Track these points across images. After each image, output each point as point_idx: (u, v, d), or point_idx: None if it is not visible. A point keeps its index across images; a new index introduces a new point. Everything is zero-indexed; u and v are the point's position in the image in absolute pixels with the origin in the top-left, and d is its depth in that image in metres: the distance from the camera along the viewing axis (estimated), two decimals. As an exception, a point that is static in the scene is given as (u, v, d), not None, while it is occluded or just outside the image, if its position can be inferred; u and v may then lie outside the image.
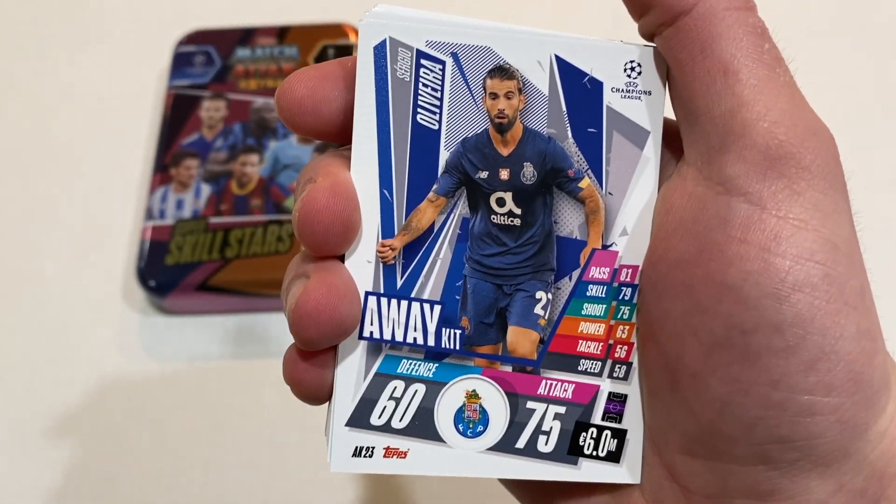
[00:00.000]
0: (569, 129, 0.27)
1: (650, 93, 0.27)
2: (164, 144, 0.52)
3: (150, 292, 0.48)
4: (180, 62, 0.55)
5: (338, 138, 0.27)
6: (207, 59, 0.55)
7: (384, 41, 0.26)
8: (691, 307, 0.25)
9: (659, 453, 0.27)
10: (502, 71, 0.27)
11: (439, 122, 0.27)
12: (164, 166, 0.51)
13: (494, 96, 0.27)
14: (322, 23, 0.55)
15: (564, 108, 0.27)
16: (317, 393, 0.27)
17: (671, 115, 0.27)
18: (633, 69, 0.27)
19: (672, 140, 0.27)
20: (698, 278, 0.25)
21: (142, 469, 0.45)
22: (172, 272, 0.48)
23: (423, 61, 0.26)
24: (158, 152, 0.52)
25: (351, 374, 0.27)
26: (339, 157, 0.27)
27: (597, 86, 0.27)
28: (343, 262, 0.27)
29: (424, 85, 0.27)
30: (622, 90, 0.27)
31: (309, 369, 0.27)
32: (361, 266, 0.27)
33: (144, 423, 0.47)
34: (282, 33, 0.55)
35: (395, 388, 0.27)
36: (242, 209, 0.50)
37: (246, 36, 0.55)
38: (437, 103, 0.27)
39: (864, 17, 0.57)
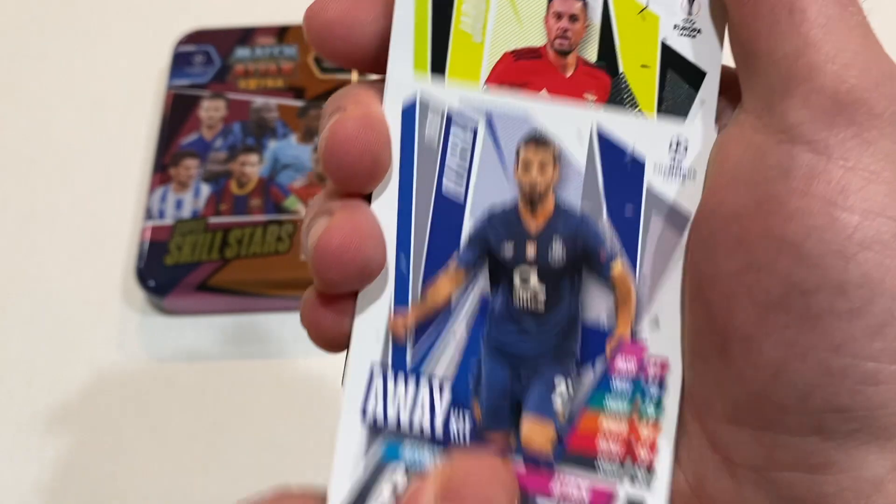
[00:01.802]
0: (604, 207, 0.25)
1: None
2: (164, 144, 0.52)
3: (149, 292, 0.48)
4: (180, 62, 0.55)
5: (371, 68, 0.26)
6: (207, 58, 0.55)
7: (414, 103, 0.25)
8: (746, 264, 0.23)
9: (701, 421, 0.25)
10: (538, 139, 0.25)
11: (466, 189, 0.25)
12: (164, 166, 0.51)
13: (528, 166, 0.25)
14: (322, 22, 0.55)
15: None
16: (334, 339, 0.26)
17: (729, 61, 0.25)
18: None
19: (729, 88, 0.25)
20: (755, 233, 0.23)
21: (141, 469, 0.45)
22: (172, 272, 0.48)
23: (454, 120, 0.25)
24: (158, 152, 0.52)
25: (350, 453, 0.25)
26: (371, 88, 0.25)
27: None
28: (369, 203, 0.25)
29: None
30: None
31: (327, 315, 0.25)
32: (370, 334, 0.25)
33: (144, 423, 0.47)
34: (281, 33, 0.55)
35: (396, 475, 0.25)
36: (242, 209, 0.50)
37: (245, 35, 0.55)
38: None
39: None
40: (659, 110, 0.25)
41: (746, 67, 0.24)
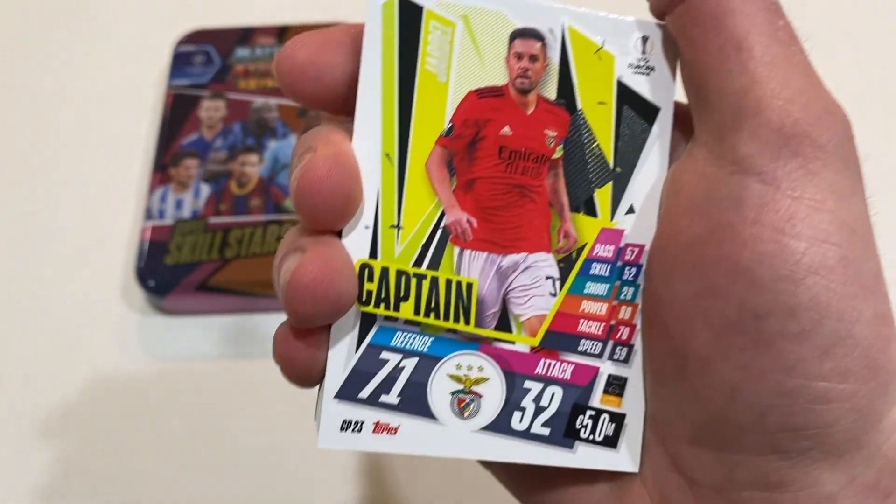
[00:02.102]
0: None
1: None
2: (164, 144, 0.52)
3: (149, 292, 0.48)
4: (180, 62, 0.55)
5: (340, 110, 0.26)
6: (207, 58, 0.55)
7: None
8: (702, 289, 0.24)
9: (663, 443, 0.27)
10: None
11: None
12: (164, 166, 0.51)
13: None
14: (322, 22, 0.55)
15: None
16: (308, 373, 0.26)
17: (681, 97, 0.27)
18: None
19: (682, 122, 0.27)
20: (710, 260, 0.24)
21: (141, 469, 0.45)
22: (172, 272, 0.48)
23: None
24: (158, 152, 0.52)
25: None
26: (340, 128, 0.26)
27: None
28: (340, 238, 0.26)
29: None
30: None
31: (301, 348, 0.26)
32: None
33: (144, 423, 0.46)
34: (281, 33, 0.55)
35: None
36: (242, 209, 0.50)
37: (245, 35, 0.55)
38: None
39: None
40: (616, 145, 0.27)
41: (698, 102, 0.25)
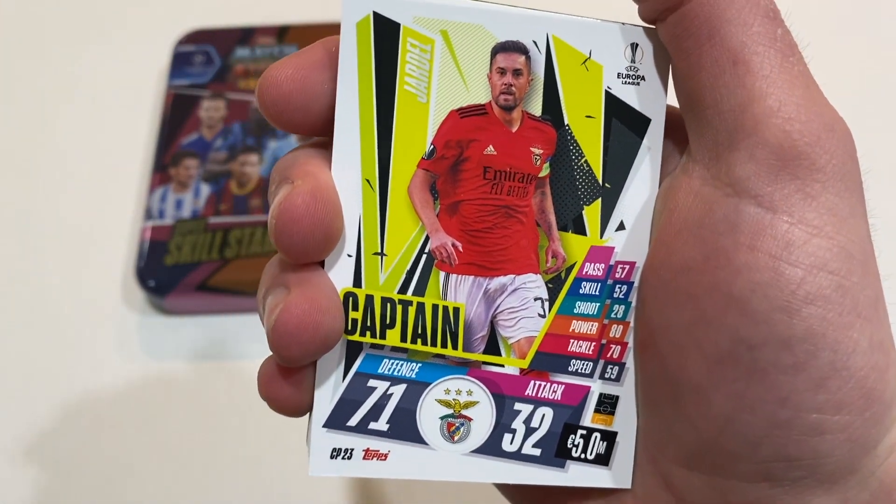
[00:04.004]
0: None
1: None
2: (164, 144, 0.52)
3: (149, 292, 0.48)
4: (180, 62, 0.55)
5: (325, 133, 0.25)
6: (207, 58, 0.55)
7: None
8: (695, 318, 0.24)
9: (655, 462, 0.26)
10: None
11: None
12: (164, 166, 0.51)
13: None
14: (322, 22, 0.55)
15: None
16: (296, 407, 0.26)
17: (673, 102, 0.25)
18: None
19: (675, 130, 0.26)
20: (704, 287, 0.23)
21: (141, 469, 0.45)
22: (172, 272, 0.48)
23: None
24: (158, 152, 0.52)
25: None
26: (318, 153, 0.25)
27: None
28: (322, 267, 0.25)
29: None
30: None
31: (286, 386, 0.26)
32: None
33: (144, 423, 0.46)
34: (281, 33, 0.55)
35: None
36: (242, 209, 0.50)
37: (245, 35, 0.55)
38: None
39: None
40: (605, 159, 0.26)
41: (693, 117, 0.24)
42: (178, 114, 0.53)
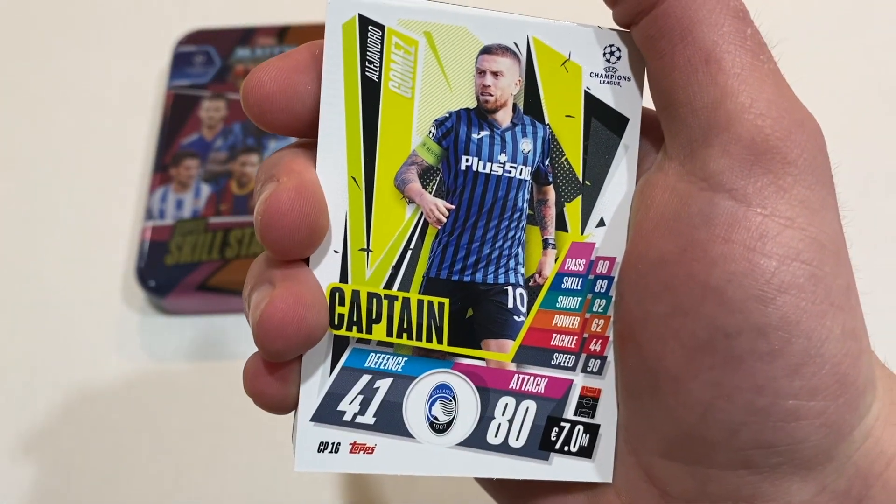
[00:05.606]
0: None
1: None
2: (164, 144, 0.52)
3: (149, 292, 0.48)
4: (180, 62, 0.55)
5: (310, 134, 0.26)
6: (207, 58, 0.55)
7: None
8: (673, 309, 0.24)
9: (636, 454, 0.27)
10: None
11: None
12: (164, 166, 0.51)
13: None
14: (322, 23, 0.55)
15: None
16: (282, 403, 0.26)
17: (649, 103, 0.26)
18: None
19: (651, 129, 0.26)
20: (680, 279, 0.24)
21: (141, 469, 0.45)
22: (172, 272, 0.48)
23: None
24: (158, 152, 0.52)
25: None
26: (303, 152, 0.26)
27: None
28: (308, 264, 0.26)
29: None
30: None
31: (273, 382, 0.26)
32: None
33: (143, 423, 0.47)
34: (282, 33, 0.55)
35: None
36: (242, 209, 0.50)
37: (246, 36, 0.55)
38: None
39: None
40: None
41: (668, 115, 0.25)
42: (178, 114, 0.53)
